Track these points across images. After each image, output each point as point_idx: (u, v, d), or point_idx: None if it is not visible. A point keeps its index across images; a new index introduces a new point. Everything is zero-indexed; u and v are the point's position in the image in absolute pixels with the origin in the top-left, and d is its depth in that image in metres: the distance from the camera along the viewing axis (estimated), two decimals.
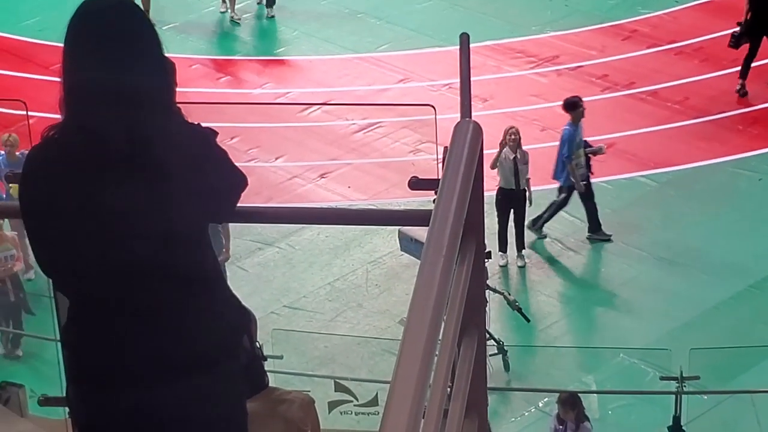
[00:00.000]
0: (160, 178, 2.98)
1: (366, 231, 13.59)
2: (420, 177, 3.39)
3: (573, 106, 13.21)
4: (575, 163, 12.96)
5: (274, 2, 17.62)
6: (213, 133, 3.14)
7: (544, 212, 13.09)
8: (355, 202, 14.11)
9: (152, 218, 2.98)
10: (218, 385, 3.11)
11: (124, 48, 2.96)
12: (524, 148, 13.17)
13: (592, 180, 13.38)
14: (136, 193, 2.96)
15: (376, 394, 9.85)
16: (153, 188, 2.97)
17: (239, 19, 17.50)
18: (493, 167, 12.70)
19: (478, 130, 2.92)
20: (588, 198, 13.15)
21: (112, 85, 2.94)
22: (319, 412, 4.45)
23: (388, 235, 13.14)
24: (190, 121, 3.10)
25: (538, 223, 13.16)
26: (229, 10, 17.45)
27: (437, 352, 2.38)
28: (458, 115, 3.59)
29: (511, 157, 12.84)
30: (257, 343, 4.54)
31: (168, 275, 3.04)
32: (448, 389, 2.73)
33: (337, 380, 10.19)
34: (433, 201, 2.74)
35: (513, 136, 12.91)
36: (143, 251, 2.99)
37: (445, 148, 2.93)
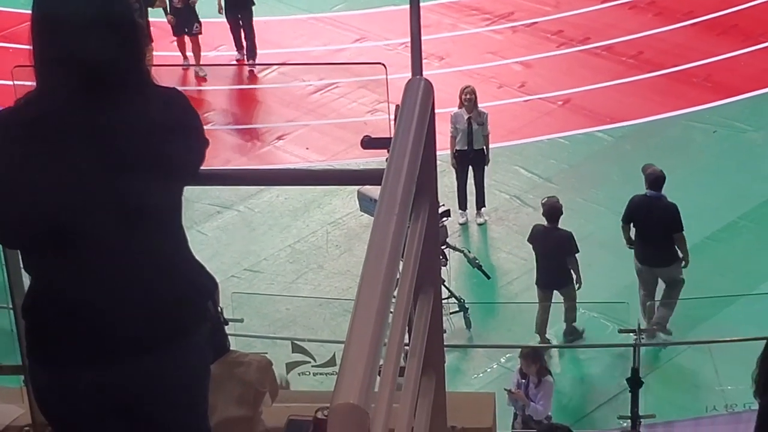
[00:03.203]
0: (133, 141, 2.97)
1: (325, 192, 13.58)
2: (374, 136, 3.40)
3: None
4: None
5: None
6: (184, 96, 3.13)
7: None
8: (314, 164, 14.09)
9: (119, 183, 2.95)
10: (188, 351, 3.12)
11: (96, 16, 2.94)
12: (482, 105, 13.17)
13: (551, 136, 13.41)
14: (102, 158, 2.94)
15: (334, 354, 9.88)
16: (123, 152, 2.95)
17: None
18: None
19: (429, 87, 2.91)
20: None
21: (83, 51, 2.91)
22: (277, 373, 4.46)
23: (348, 195, 13.14)
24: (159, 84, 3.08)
25: None
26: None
27: (392, 310, 2.39)
28: None
29: (466, 117, 12.84)
30: (219, 308, 4.54)
31: (137, 242, 3.02)
32: (405, 347, 2.75)
33: (294, 341, 10.21)
34: (386, 160, 2.75)
35: (468, 96, 12.88)
36: (110, 217, 2.97)
37: (397, 106, 2.94)
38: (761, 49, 15.68)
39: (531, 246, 11.55)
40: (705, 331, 11.37)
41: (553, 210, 11.26)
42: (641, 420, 9.39)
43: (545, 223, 11.32)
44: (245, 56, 15.99)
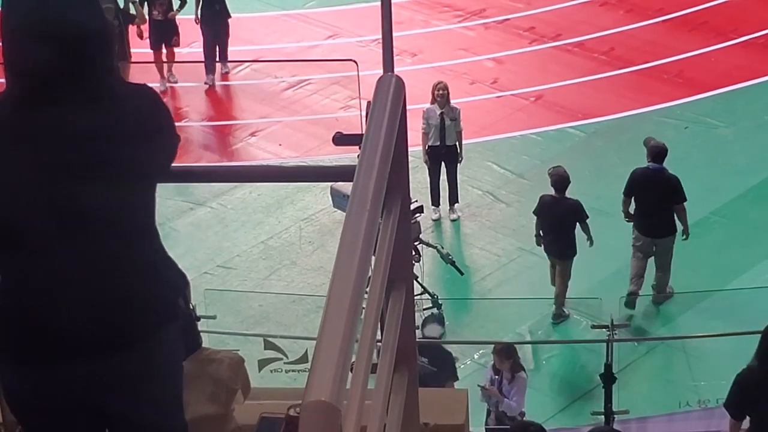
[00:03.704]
0: (103, 138, 2.96)
1: (298, 188, 13.57)
2: (346, 132, 3.39)
3: None
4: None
5: None
6: (155, 94, 3.13)
7: None
8: (287, 160, 14.08)
9: (63, 186, 2.95)
10: (159, 347, 3.10)
11: (50, 26, 2.93)
12: (455, 102, 13.19)
13: (523, 132, 13.44)
14: (49, 162, 2.93)
15: (306, 350, 9.87)
16: (69, 156, 2.95)
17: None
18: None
19: (400, 84, 2.91)
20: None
21: (34, 60, 2.91)
22: (250, 370, 4.45)
23: (321, 191, 13.13)
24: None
25: None
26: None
27: (364, 306, 2.39)
28: None
29: (438, 113, 12.85)
30: (191, 305, 4.52)
31: (108, 238, 3.01)
32: (377, 343, 2.74)
33: (267, 338, 10.19)
34: (358, 156, 2.74)
35: (441, 92, 12.89)
36: (53, 220, 2.96)
37: (369, 102, 2.93)
38: (732, 46, 15.75)
39: (536, 218, 11.66)
40: (678, 327, 11.43)
41: (560, 180, 11.45)
42: (615, 416, 9.42)
43: (552, 193, 11.52)
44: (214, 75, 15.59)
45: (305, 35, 16.63)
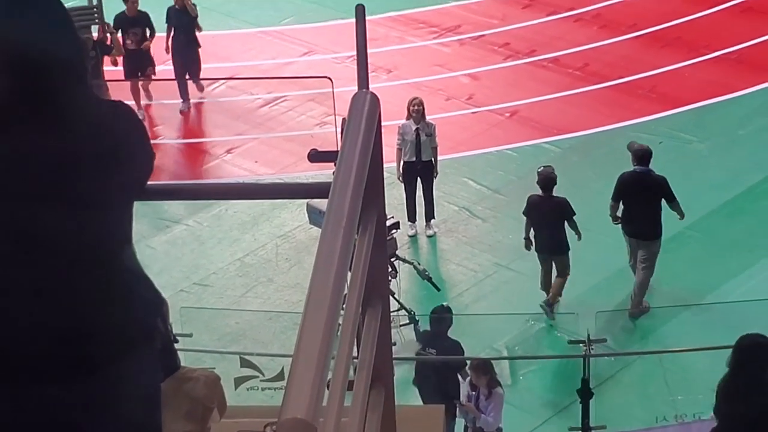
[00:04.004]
0: (68, 162, 2.93)
1: (274, 205, 13.55)
2: (321, 149, 3.39)
3: None
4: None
5: None
6: (130, 111, 3.10)
7: None
8: (263, 177, 14.06)
9: (51, 204, 2.92)
10: (133, 369, 3.08)
11: (19, 19, 2.90)
12: (430, 118, 13.22)
13: (499, 147, 13.47)
14: (33, 180, 2.91)
15: (282, 368, 9.84)
16: (56, 173, 2.92)
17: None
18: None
19: (375, 101, 2.92)
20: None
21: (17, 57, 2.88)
22: (226, 388, 4.43)
23: (297, 208, 13.12)
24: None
25: None
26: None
27: (340, 323, 2.39)
28: None
29: (413, 129, 12.87)
30: (169, 326, 4.50)
31: (82, 257, 2.98)
32: (354, 360, 2.74)
33: (243, 356, 10.17)
34: (333, 173, 2.74)
35: (416, 107, 12.92)
36: (53, 230, 2.93)
37: (344, 119, 2.93)
38: (705, 61, 15.85)
39: (525, 218, 11.89)
40: (654, 342, 11.45)
41: (547, 180, 11.76)
42: (592, 431, 9.43)
43: (540, 193, 11.80)
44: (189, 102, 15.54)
45: (280, 52, 16.65)
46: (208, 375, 4.46)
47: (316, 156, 3.34)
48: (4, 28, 2.87)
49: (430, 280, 11.74)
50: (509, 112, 15.09)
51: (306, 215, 12.00)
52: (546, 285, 11.94)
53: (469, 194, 13.81)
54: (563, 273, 11.85)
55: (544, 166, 12.11)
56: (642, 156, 11.74)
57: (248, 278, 12.72)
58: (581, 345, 9.68)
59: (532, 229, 11.85)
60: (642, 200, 11.65)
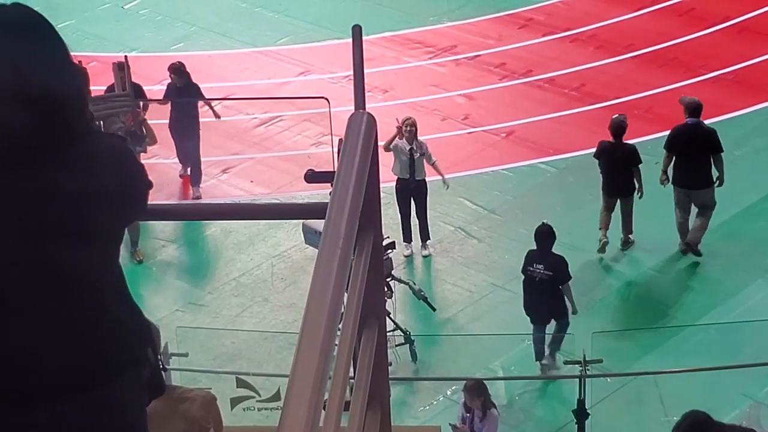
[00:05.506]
0: (76, 198, 2.93)
1: (270, 225, 13.55)
2: (317, 170, 3.39)
3: None
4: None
5: None
6: (125, 140, 3.12)
7: None
8: (259, 197, 14.06)
9: (66, 240, 2.92)
10: (122, 394, 3.07)
11: (32, 54, 2.91)
12: (426, 138, 13.24)
13: (494, 168, 13.49)
14: (16, 226, 2.91)
15: (279, 388, 9.82)
16: (38, 219, 2.93)
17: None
18: (386, 150, 12.73)
19: (371, 121, 2.92)
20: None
21: (21, 88, 2.88)
22: (222, 408, 4.43)
23: (292, 228, 13.11)
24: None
25: None
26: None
27: (337, 343, 2.38)
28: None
29: (407, 149, 12.89)
30: (159, 355, 4.49)
31: (72, 281, 2.98)
32: (350, 380, 2.73)
33: (239, 376, 10.15)
34: (330, 193, 2.74)
35: (409, 128, 12.94)
36: (48, 255, 2.93)
37: (340, 139, 2.94)
38: (701, 81, 15.88)
39: (597, 161, 12.81)
40: (650, 362, 11.44)
41: (619, 127, 12.76)
42: None
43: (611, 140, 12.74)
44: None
45: (277, 72, 16.67)
46: (204, 395, 4.46)
47: (312, 176, 3.35)
48: (20, 63, 2.88)
49: (425, 300, 11.73)
50: (505, 132, 15.11)
51: (302, 235, 12.00)
52: (605, 223, 12.66)
53: (464, 214, 13.81)
54: (629, 214, 12.66)
55: (617, 115, 13.04)
56: (694, 108, 12.59)
57: (244, 298, 12.70)
58: (577, 365, 9.67)
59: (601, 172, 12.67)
60: (695, 150, 12.43)
